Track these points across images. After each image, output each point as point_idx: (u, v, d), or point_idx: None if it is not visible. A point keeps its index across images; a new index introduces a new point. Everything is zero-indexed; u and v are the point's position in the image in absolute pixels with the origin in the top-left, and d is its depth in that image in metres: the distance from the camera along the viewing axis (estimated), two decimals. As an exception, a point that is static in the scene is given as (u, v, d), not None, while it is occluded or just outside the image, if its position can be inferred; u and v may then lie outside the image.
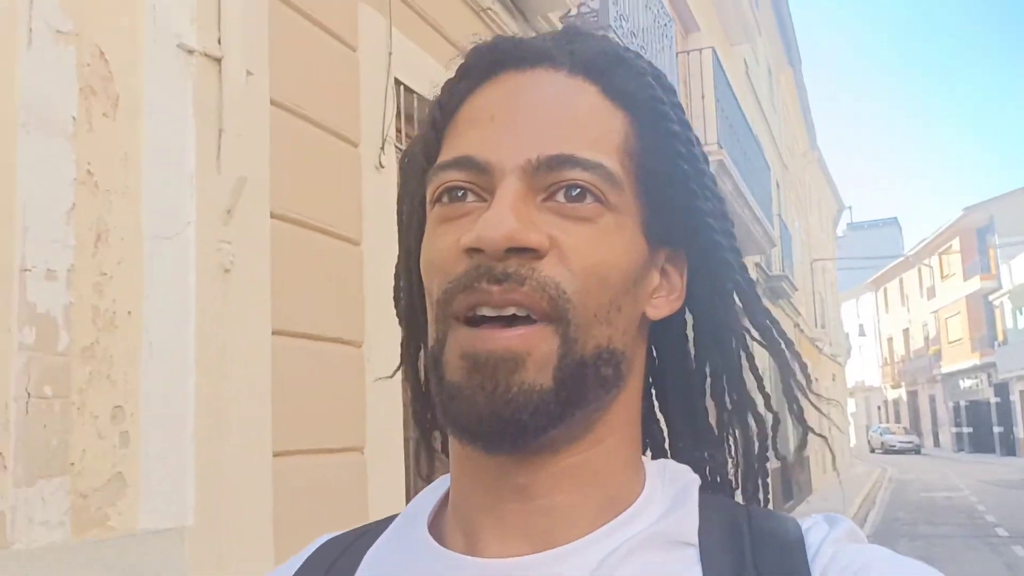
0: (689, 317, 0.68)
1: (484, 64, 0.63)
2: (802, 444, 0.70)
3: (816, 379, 22.24)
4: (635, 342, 0.62)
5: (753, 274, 10.23)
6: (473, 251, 0.56)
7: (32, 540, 2.03)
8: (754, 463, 0.67)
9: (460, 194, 0.59)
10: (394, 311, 0.72)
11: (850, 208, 52.62)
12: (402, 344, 0.71)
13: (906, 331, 48.01)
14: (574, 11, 5.88)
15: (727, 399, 0.67)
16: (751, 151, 11.57)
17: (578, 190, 0.57)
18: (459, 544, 0.60)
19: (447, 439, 0.66)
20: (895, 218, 66.78)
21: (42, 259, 2.12)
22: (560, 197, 0.57)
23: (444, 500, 0.66)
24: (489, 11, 4.65)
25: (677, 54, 9.04)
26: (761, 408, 0.68)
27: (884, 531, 13.82)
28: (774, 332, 0.66)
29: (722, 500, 0.64)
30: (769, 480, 0.68)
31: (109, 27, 2.39)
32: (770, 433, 0.68)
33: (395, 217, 0.72)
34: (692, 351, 0.68)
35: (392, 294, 0.72)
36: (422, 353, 0.69)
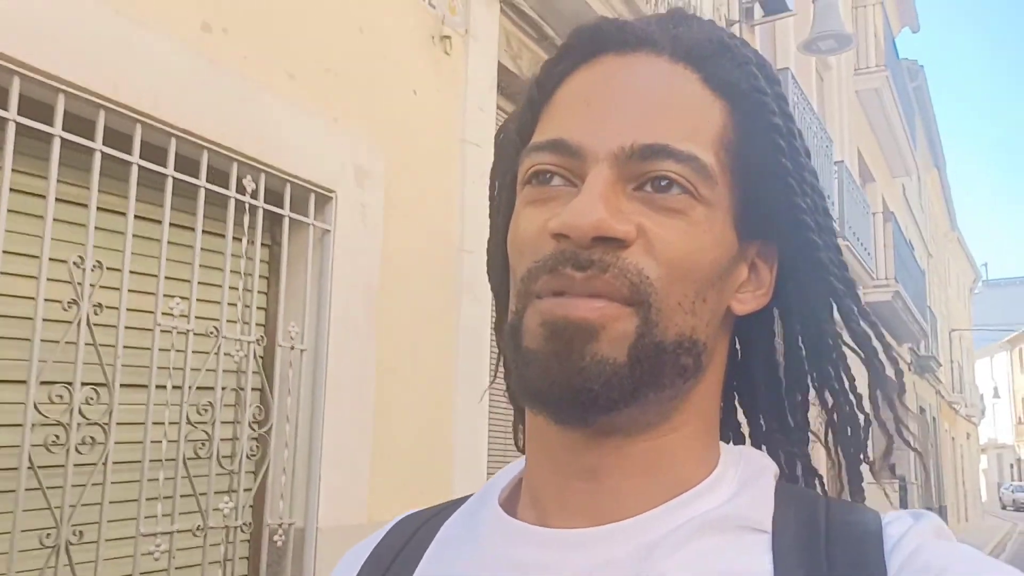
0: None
1: (585, 45, 0.62)
2: (887, 451, 0.66)
3: (953, 437, 25.33)
4: (718, 334, 0.61)
5: (906, 355, 13.97)
6: (560, 236, 0.56)
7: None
8: (854, 461, 0.66)
9: (549, 177, 0.59)
10: None
11: (985, 265, 54.08)
12: (496, 321, 0.71)
13: (1040, 392, 49.13)
14: None
15: (825, 398, 0.66)
16: (910, 264, 15.30)
17: (667, 181, 0.57)
18: (529, 517, 0.61)
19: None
20: (1031, 276, 66.87)
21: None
22: (649, 187, 0.57)
23: (519, 481, 0.66)
24: None
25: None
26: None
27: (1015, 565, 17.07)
28: (872, 337, 0.65)
29: (802, 490, 0.64)
30: (863, 479, 0.66)
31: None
32: (864, 435, 0.66)
33: None
34: (780, 347, 0.67)
35: (485, 269, 0.72)
36: None
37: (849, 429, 0.66)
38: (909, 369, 16.86)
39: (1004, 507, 45.93)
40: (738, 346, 0.68)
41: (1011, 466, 56.17)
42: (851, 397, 0.66)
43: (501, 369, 0.67)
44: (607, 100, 0.59)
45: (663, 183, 0.57)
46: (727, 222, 0.60)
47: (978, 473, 38.91)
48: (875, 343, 0.66)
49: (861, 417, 0.66)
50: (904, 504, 14.67)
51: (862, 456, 0.65)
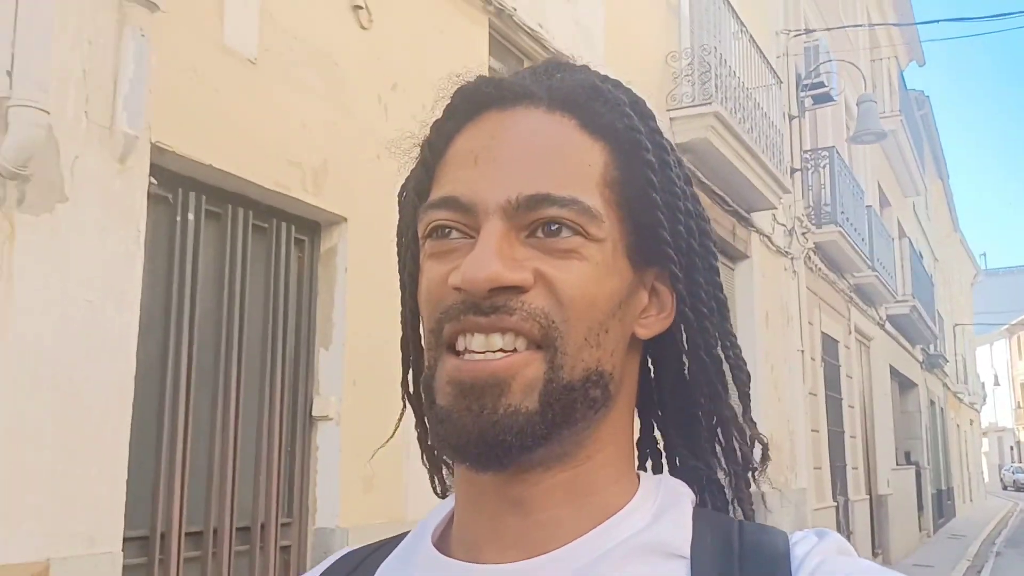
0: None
1: (468, 105, 0.65)
2: (764, 457, 0.70)
3: (958, 424, 27.61)
4: (625, 361, 0.64)
5: (919, 355, 16.27)
6: (460, 289, 0.59)
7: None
8: (741, 476, 0.68)
9: (447, 232, 0.62)
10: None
11: (984, 255, 56.13)
12: (403, 373, 0.73)
13: (1038, 378, 51.40)
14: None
15: (712, 413, 0.68)
16: (921, 277, 17.53)
17: (556, 225, 0.59)
18: (462, 555, 0.63)
19: None
20: (1029, 265, 68.82)
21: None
22: (540, 233, 0.60)
23: (450, 518, 0.68)
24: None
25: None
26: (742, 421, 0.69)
27: (1013, 540, 19.42)
28: (723, 360, 0.68)
29: (716, 515, 0.66)
30: (752, 491, 0.69)
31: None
32: (751, 447, 0.68)
33: None
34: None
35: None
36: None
37: (737, 445, 0.68)
38: (921, 367, 19.12)
39: (1005, 487, 48.07)
40: (652, 366, 0.71)
41: (1011, 448, 58.53)
42: (730, 412, 0.68)
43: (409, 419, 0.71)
44: (492, 155, 0.61)
45: (553, 227, 0.60)
46: (619, 253, 0.62)
47: (980, 456, 41.14)
48: (731, 362, 0.69)
49: (747, 430, 0.68)
50: (920, 486, 16.89)
51: (751, 466, 0.68)
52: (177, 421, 2.98)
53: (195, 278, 3.09)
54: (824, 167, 10.39)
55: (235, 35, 3.14)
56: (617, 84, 0.67)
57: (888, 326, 15.12)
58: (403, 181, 0.71)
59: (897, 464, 15.31)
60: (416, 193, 0.67)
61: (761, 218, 8.37)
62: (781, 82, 8.66)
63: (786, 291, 9.15)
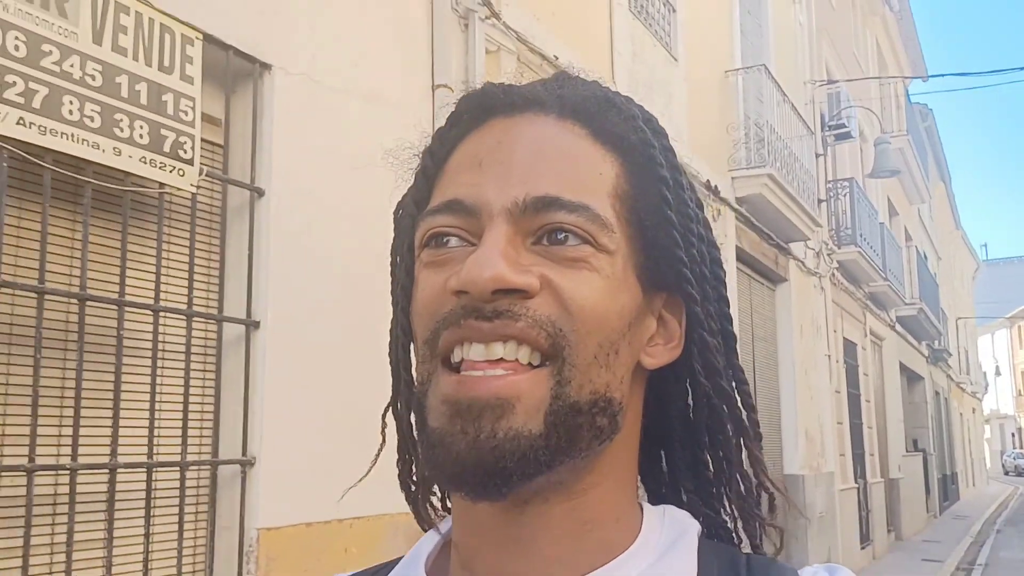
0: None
1: (473, 111, 0.62)
2: (771, 506, 0.67)
3: (961, 413, 29.21)
4: (631, 391, 0.60)
5: (925, 351, 17.92)
6: (461, 293, 0.55)
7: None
8: (749, 518, 0.66)
9: (446, 240, 0.58)
10: None
11: (984, 246, 57.47)
12: (392, 398, 0.68)
13: (1038, 366, 52.91)
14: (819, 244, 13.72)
15: (720, 459, 0.65)
16: (927, 279, 19.10)
17: (563, 233, 0.56)
18: None
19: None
20: (1029, 255, 70.02)
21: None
22: (546, 240, 0.56)
23: (445, 544, 0.65)
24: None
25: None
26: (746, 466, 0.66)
27: (1013, 520, 21.03)
28: (736, 398, 0.65)
29: (722, 547, 0.63)
30: (764, 530, 0.66)
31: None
32: (758, 496, 0.66)
33: None
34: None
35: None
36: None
37: (742, 487, 0.65)
38: (927, 361, 20.69)
39: (1007, 473, 49.42)
40: (656, 399, 0.66)
41: (1012, 435, 60.03)
42: (737, 458, 0.65)
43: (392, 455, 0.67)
44: (499, 159, 0.58)
45: (560, 235, 0.56)
46: (629, 272, 0.59)
47: (983, 443, 42.60)
48: (738, 404, 0.65)
49: (753, 478, 0.65)
50: (927, 471, 18.46)
51: (756, 511, 0.65)
52: None
53: None
54: (844, 195, 11.99)
55: None
56: (629, 99, 0.64)
57: (898, 327, 16.69)
58: (399, 197, 0.67)
59: (907, 451, 16.92)
60: (415, 203, 0.64)
61: (796, 246, 9.97)
62: (812, 133, 10.28)
63: (815, 305, 10.74)
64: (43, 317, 2.35)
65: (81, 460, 2.41)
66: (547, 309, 0.55)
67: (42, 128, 2.30)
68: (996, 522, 20.27)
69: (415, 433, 0.61)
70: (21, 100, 2.26)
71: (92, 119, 2.42)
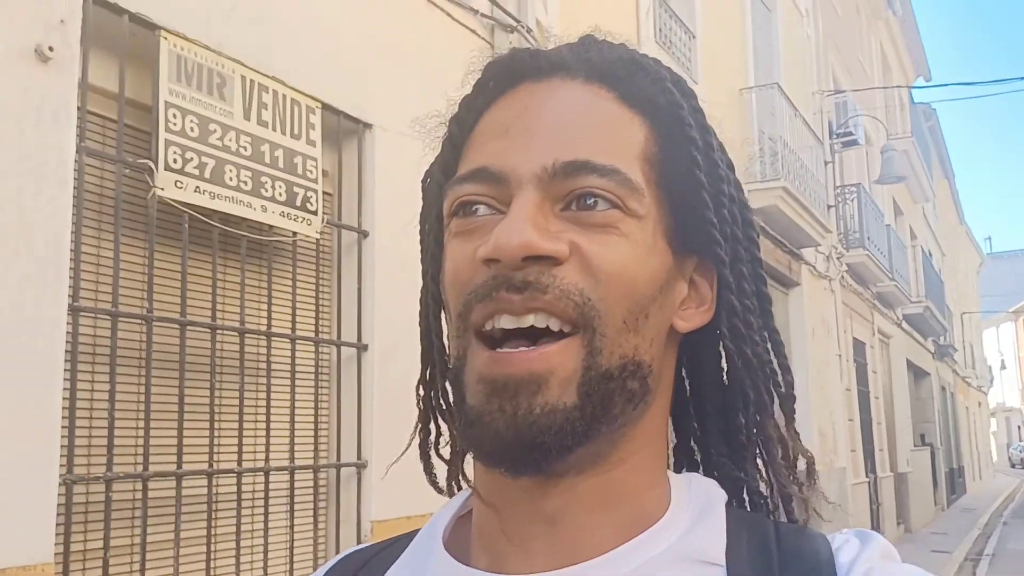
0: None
1: (500, 77, 0.62)
2: (810, 471, 0.66)
3: (967, 407, 29.61)
4: (663, 355, 0.60)
5: (931, 347, 18.44)
6: (491, 261, 0.55)
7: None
8: (785, 482, 0.64)
9: (474, 208, 0.58)
10: None
11: (989, 239, 57.59)
12: (422, 369, 0.69)
13: (1044, 359, 53.16)
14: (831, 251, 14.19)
15: (754, 424, 0.64)
16: (932, 277, 19.54)
17: (593, 199, 0.56)
18: (483, 564, 0.59)
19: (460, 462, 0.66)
20: (1034, 248, 70.04)
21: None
22: (575, 206, 0.56)
23: (461, 517, 0.65)
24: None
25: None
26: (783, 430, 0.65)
27: (1019, 512, 21.43)
28: (777, 352, 0.65)
29: (751, 516, 0.63)
30: (803, 494, 0.65)
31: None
32: (795, 461, 0.64)
33: None
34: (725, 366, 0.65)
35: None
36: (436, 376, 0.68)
37: (780, 451, 0.64)
38: (933, 357, 21.12)
39: (1013, 465, 49.65)
40: (687, 366, 0.66)
41: (1018, 428, 60.20)
42: (773, 422, 0.64)
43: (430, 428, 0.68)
44: (526, 125, 0.58)
45: (589, 200, 0.56)
46: (660, 236, 0.59)
47: (989, 436, 42.80)
48: (773, 366, 0.64)
49: (790, 442, 0.64)
50: (935, 465, 18.81)
51: (792, 477, 0.64)
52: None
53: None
54: (852, 200, 12.47)
55: None
56: (657, 61, 0.64)
57: (904, 325, 17.13)
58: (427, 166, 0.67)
59: (915, 446, 17.37)
60: (442, 171, 0.64)
61: (807, 251, 10.45)
62: (822, 143, 10.76)
63: (826, 307, 11.21)
64: (215, 348, 2.90)
65: (229, 466, 2.93)
66: (575, 277, 0.55)
67: (212, 194, 2.82)
68: (1003, 514, 20.54)
69: (452, 407, 0.62)
70: (196, 172, 2.78)
71: (246, 183, 2.94)
